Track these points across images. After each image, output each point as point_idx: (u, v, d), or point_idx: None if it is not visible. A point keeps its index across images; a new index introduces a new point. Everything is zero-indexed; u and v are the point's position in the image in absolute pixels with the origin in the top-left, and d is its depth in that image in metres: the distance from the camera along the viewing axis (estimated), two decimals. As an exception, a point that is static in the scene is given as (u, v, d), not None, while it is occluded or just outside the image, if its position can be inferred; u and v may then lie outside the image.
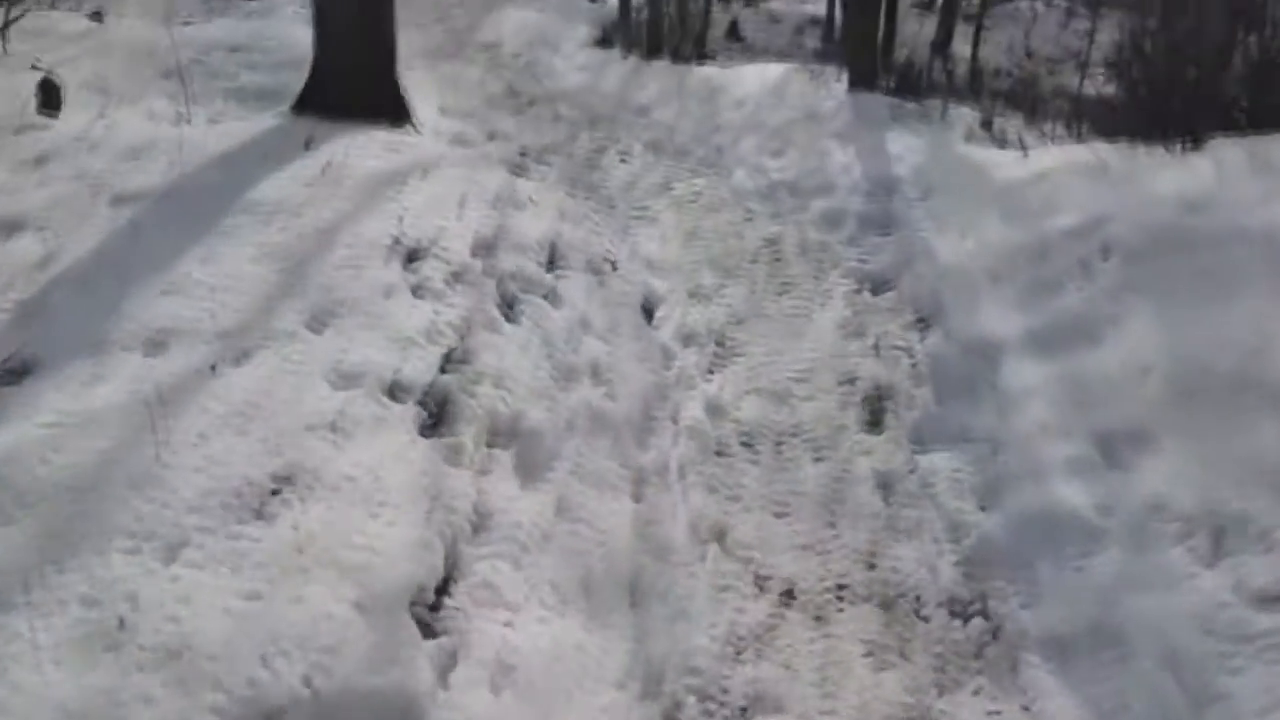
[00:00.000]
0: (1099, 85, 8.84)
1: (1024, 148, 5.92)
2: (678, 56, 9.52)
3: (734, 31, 16.84)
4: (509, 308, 4.22)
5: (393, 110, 6.28)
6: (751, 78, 8.30)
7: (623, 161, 7.66)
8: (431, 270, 4.23)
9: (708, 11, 13.23)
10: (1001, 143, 6.82)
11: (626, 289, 5.02)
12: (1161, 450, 3.17)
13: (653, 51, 9.81)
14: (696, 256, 5.53)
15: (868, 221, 5.75)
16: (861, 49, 8.09)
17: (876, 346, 4.58)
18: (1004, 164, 5.77)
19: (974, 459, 3.68)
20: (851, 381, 4.34)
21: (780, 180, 6.61)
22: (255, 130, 5.57)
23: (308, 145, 5.17)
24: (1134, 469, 3.19)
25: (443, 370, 3.62)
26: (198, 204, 4.44)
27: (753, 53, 16.09)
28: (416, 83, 9.81)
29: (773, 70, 8.38)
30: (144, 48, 7.63)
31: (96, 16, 8.50)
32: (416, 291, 4.06)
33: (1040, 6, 18.64)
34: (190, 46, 7.57)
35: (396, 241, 4.34)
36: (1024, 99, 10.37)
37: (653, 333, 4.75)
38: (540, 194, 5.71)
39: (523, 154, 7.60)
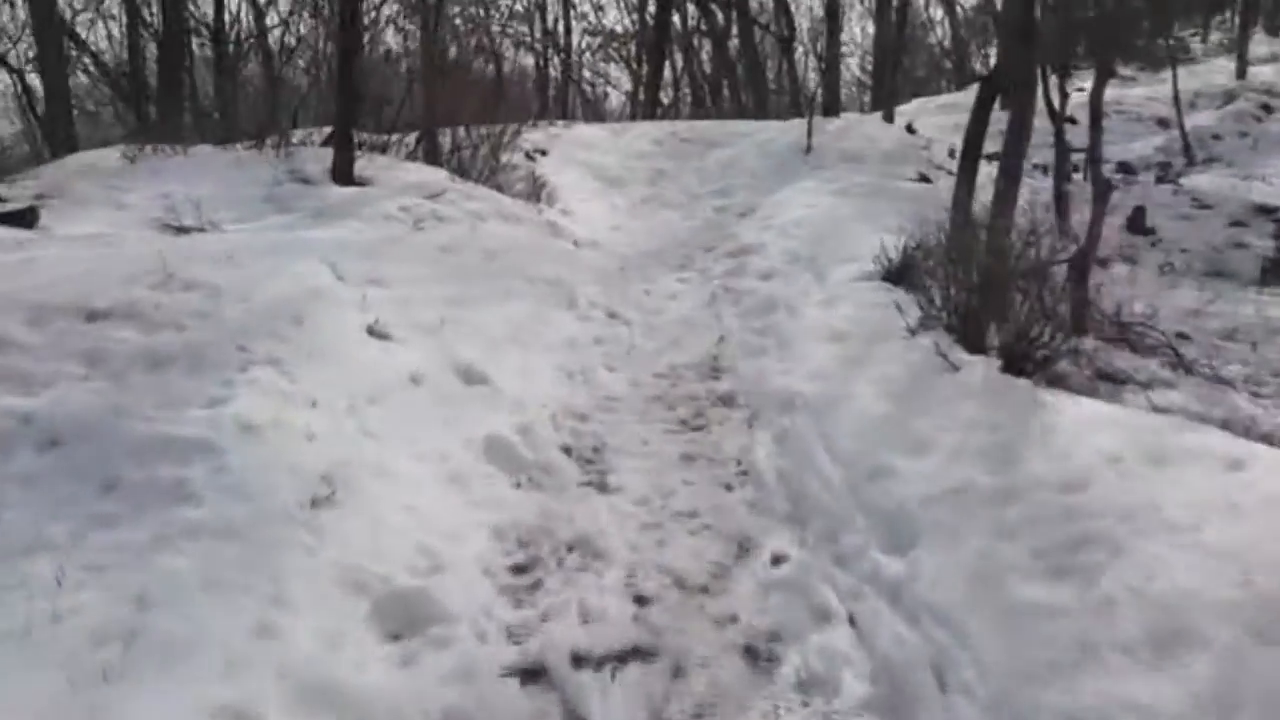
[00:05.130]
0: None
1: None
2: (1016, 357, 4.79)
3: (1137, 223, 11.37)
4: None
5: None
6: (1198, 496, 3.22)
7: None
8: None
9: (1103, 209, 8.10)
10: None
11: None
12: None
13: (973, 336, 5.19)
14: None
15: None
16: None
17: None
18: None
19: None
20: None
21: None
22: None
23: None
24: None
25: None
26: None
27: (1169, 260, 10.57)
28: (540, 343, 5.99)
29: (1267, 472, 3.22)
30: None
31: (28, 217, 5.61)
32: None
33: None
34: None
35: None
36: None
37: None
38: None
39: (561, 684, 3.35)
